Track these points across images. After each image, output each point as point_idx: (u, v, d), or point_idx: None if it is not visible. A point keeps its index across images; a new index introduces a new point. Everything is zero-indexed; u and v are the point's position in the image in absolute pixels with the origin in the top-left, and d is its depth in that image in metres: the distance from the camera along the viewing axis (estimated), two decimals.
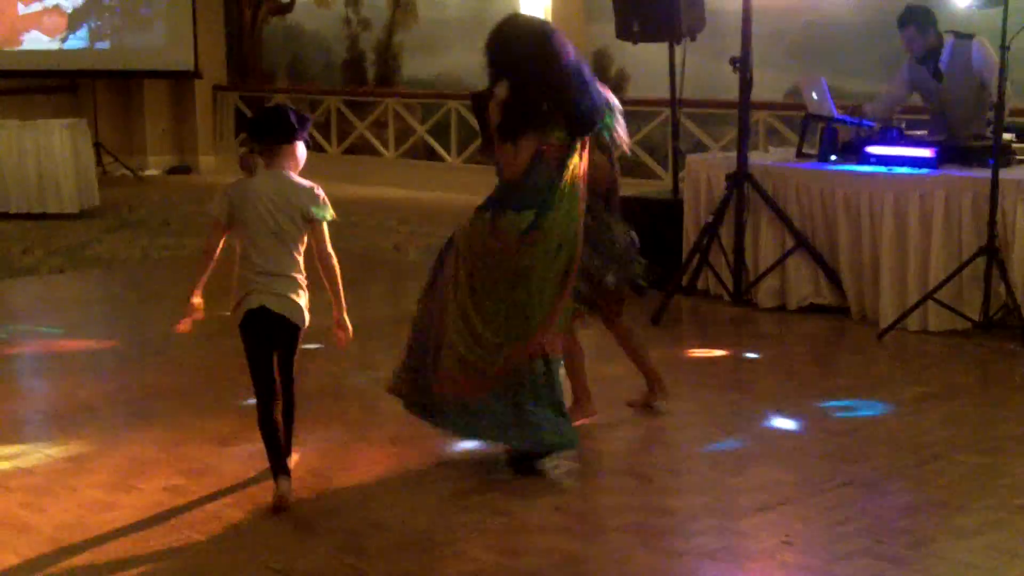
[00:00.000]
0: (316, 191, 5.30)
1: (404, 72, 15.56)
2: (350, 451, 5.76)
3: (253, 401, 5.26)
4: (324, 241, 5.31)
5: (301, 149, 5.37)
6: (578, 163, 5.45)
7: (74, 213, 12.91)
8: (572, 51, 5.45)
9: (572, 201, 5.42)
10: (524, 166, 5.39)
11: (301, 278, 5.29)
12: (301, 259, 5.29)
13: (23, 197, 12.90)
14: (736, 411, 6.40)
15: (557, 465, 5.50)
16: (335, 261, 5.32)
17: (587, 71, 5.49)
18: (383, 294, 9.61)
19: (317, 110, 16.32)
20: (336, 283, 5.32)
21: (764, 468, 5.51)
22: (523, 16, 5.76)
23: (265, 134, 5.30)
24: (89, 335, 8.02)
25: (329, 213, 5.32)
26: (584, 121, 5.44)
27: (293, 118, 5.29)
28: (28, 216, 12.77)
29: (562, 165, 5.40)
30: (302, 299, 5.27)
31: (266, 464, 5.44)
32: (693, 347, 7.70)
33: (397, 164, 15.52)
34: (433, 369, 5.50)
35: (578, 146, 5.45)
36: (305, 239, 5.30)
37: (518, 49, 5.40)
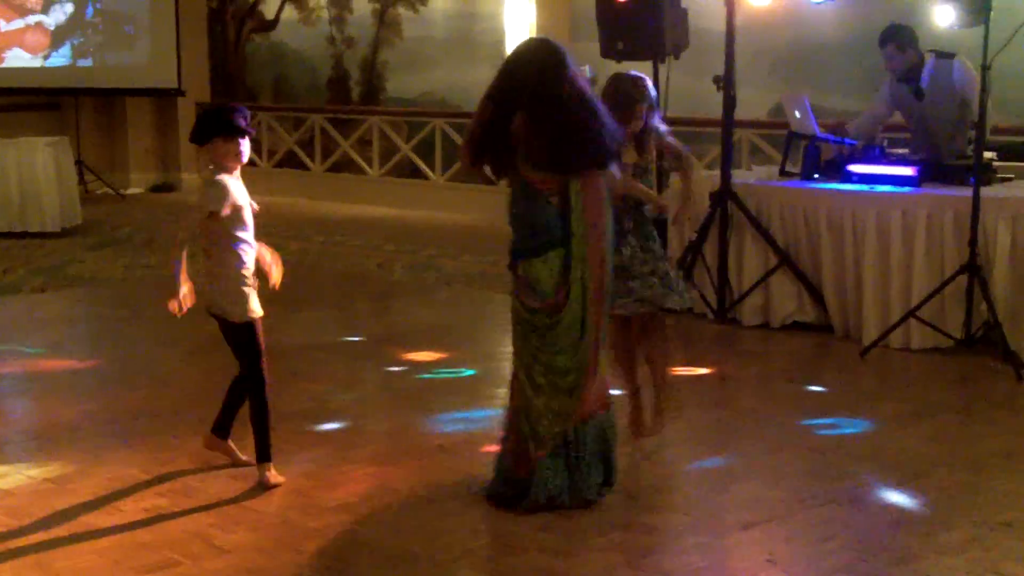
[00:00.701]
0: (206, 183, 5.48)
1: (389, 90, 15.57)
2: (334, 471, 5.74)
3: None
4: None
5: (225, 144, 5.47)
6: (577, 197, 5.11)
7: (56, 232, 12.88)
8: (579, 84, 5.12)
9: (583, 244, 5.14)
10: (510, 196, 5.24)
11: (234, 273, 5.47)
12: (233, 251, 5.47)
13: (4, 215, 12.86)
14: (720, 428, 6.41)
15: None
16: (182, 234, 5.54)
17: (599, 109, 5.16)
18: (367, 313, 9.60)
19: (301, 128, 16.32)
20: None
21: (748, 485, 5.51)
22: (535, 40, 5.39)
23: (194, 138, 5.51)
24: (71, 354, 8.00)
25: (202, 201, 5.44)
26: (568, 160, 5.11)
27: (209, 117, 5.52)
28: (10, 235, 12.72)
29: (564, 201, 5.12)
30: (232, 294, 5.48)
31: (249, 485, 5.47)
32: (677, 365, 7.69)
33: (381, 182, 15.52)
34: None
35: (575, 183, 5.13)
36: (228, 229, 5.46)
37: (517, 73, 5.13)
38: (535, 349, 5.20)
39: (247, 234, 5.52)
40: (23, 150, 13.05)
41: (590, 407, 5.22)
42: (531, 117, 5.10)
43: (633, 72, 6.04)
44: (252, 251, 5.54)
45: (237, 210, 5.47)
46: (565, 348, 5.17)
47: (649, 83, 6.00)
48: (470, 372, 7.53)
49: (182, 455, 5.94)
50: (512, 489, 5.28)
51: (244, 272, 5.48)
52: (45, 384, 7.35)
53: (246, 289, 5.50)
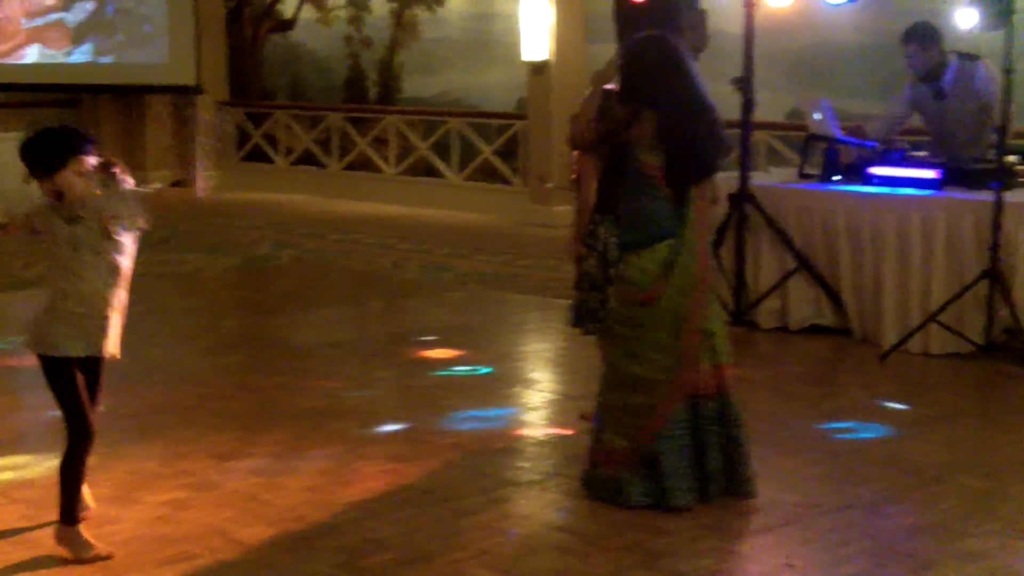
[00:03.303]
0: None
1: (405, 90, 15.58)
2: (349, 468, 5.74)
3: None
4: None
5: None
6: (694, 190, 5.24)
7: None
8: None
9: (693, 233, 5.25)
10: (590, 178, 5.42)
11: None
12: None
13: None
14: None
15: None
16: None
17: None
18: (381, 311, 9.60)
19: (318, 126, 16.33)
20: None
21: (765, 489, 5.46)
22: (653, 38, 5.51)
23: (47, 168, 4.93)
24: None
25: None
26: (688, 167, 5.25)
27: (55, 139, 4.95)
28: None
29: (678, 193, 5.23)
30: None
31: (270, 478, 5.46)
32: None
33: (398, 181, 15.51)
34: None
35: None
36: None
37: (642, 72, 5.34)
38: (619, 349, 5.31)
39: (72, 257, 4.91)
40: None
41: (684, 392, 5.22)
42: (662, 118, 5.21)
43: None
44: (72, 274, 4.91)
45: (56, 231, 4.94)
46: (649, 349, 5.21)
47: None
48: (486, 371, 7.52)
49: (199, 449, 5.94)
50: (594, 486, 5.35)
51: (50, 301, 4.94)
52: None
53: (41, 319, 4.94)
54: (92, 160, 4.85)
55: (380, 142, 15.74)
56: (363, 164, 15.95)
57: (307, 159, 16.54)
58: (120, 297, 4.96)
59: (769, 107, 11.27)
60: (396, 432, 6.30)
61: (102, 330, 4.90)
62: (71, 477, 4.79)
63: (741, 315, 8.63)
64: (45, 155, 4.83)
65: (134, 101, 17.08)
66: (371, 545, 4.86)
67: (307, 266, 11.24)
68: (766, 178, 9.22)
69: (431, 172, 15.23)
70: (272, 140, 16.88)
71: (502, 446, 6.09)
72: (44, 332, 4.84)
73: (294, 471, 5.68)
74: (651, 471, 5.21)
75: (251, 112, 17.13)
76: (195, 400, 6.80)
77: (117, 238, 4.88)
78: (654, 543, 4.89)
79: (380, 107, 15.77)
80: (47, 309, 4.85)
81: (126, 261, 4.93)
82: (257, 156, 17.06)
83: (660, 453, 5.18)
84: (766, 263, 8.59)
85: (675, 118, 5.20)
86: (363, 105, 15.97)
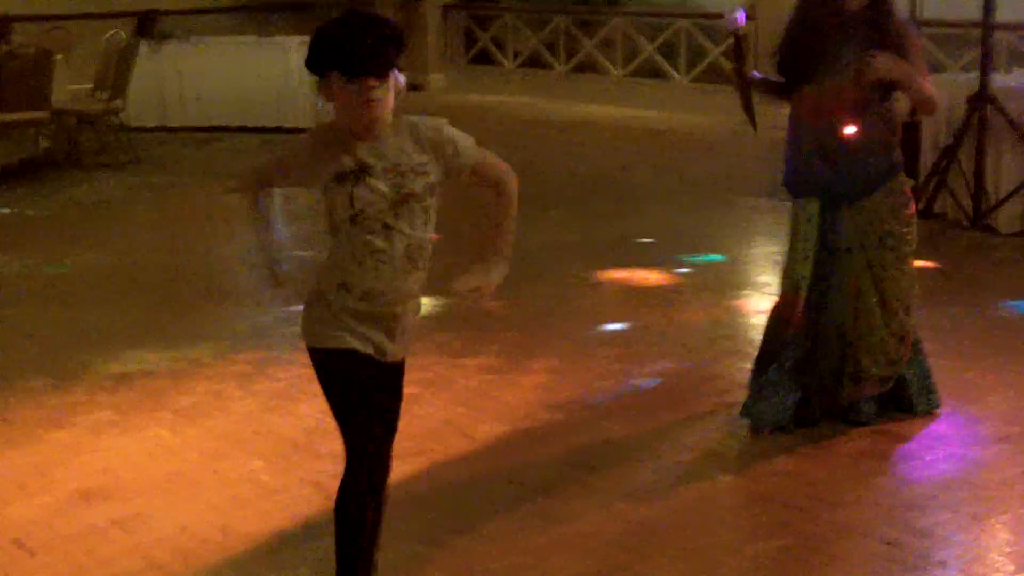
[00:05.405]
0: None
1: None
2: (579, 368, 5.80)
3: None
4: None
5: (346, 84, 3.50)
6: None
7: (309, 128, 13.19)
8: None
9: None
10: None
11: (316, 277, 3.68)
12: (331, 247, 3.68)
13: (261, 111, 13.27)
14: (976, 337, 6.18)
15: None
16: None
17: None
18: (608, 215, 9.58)
19: (546, 28, 16.30)
20: None
21: (1004, 396, 5.34)
22: None
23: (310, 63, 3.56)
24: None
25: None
26: None
27: (326, 38, 3.63)
28: (265, 130, 13.10)
29: None
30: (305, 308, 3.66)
31: (502, 376, 5.54)
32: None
33: (624, 83, 15.43)
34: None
35: None
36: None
37: None
38: (880, 271, 5.01)
39: (352, 234, 3.54)
40: (278, 48, 13.43)
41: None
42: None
43: None
44: (353, 259, 3.57)
45: (328, 192, 3.53)
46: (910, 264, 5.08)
47: None
48: (715, 271, 7.47)
49: (430, 347, 6.04)
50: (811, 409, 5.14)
51: (324, 286, 3.60)
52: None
53: (316, 306, 3.60)
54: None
55: (607, 44, 15.65)
56: (589, 66, 15.89)
57: (534, 61, 16.56)
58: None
59: (1014, 7, 10.84)
60: (624, 333, 6.33)
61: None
62: (345, 526, 3.48)
63: (980, 219, 8.38)
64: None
65: (363, 4, 17.29)
66: (600, 444, 4.92)
67: (535, 168, 11.28)
68: (1008, 79, 8.88)
69: (657, 74, 15.10)
70: (499, 43, 16.93)
71: (731, 348, 6.07)
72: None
73: (524, 370, 5.77)
74: (902, 384, 5.14)
75: (478, 15, 17.19)
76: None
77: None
78: (889, 448, 4.85)
79: (607, 8, 15.66)
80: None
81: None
82: (484, 59, 17.15)
83: (920, 365, 5.15)
84: (1007, 166, 8.31)
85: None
86: (590, 6, 15.88)
